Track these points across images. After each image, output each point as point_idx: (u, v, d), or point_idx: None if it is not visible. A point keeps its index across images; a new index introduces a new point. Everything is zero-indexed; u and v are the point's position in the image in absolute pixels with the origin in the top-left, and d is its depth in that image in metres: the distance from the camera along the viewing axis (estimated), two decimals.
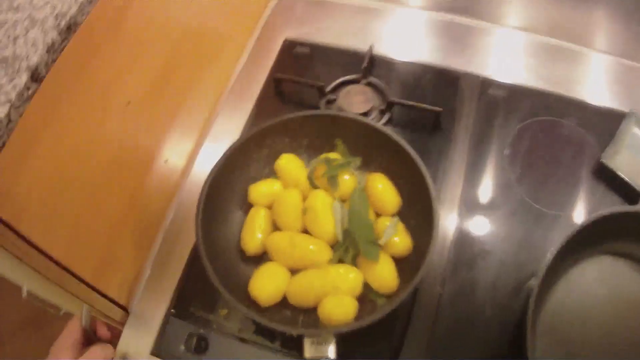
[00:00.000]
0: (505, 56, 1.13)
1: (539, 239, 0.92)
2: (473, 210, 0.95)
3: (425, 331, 0.86)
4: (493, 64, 1.11)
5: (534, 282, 0.77)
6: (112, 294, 0.89)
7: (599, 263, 0.88)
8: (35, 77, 0.63)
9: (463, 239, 0.93)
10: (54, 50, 0.65)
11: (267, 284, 0.81)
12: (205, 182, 0.84)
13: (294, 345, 0.82)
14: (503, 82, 1.09)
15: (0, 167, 0.61)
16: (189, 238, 0.95)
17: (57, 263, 0.74)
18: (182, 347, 0.87)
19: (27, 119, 0.63)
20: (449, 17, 1.18)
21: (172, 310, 0.90)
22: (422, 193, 0.82)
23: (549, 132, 1.04)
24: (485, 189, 0.98)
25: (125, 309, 0.92)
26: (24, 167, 0.66)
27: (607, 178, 0.96)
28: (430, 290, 0.88)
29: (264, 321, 0.76)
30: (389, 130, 0.87)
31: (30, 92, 0.63)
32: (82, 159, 0.77)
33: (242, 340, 0.87)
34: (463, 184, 0.98)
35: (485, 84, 1.08)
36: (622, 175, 0.94)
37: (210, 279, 0.77)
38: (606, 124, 1.01)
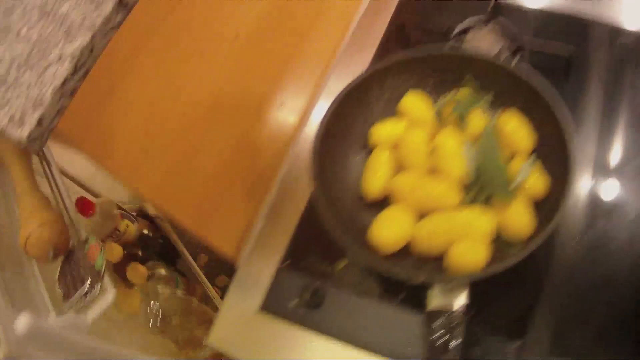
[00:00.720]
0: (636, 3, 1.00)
1: None
2: (609, 161, 0.86)
3: (562, 285, 0.78)
4: (624, 11, 0.99)
5: None
6: (217, 243, 0.85)
7: None
8: (124, 3, 0.59)
9: (599, 192, 0.84)
10: None
11: (390, 229, 0.76)
12: (321, 123, 0.80)
13: (417, 299, 0.76)
14: (635, 31, 0.97)
15: (85, 99, 0.59)
16: (306, 188, 0.90)
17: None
18: (295, 301, 0.82)
19: (116, 49, 0.60)
20: None
21: (286, 262, 0.86)
22: (557, 134, 0.74)
23: None
24: (622, 140, 0.88)
25: (232, 262, 0.88)
26: (111, 101, 0.64)
27: None
28: (566, 242, 0.80)
29: (386, 267, 0.71)
30: (521, 69, 0.80)
31: (117, 19, 0.60)
32: (178, 97, 0.74)
33: (361, 294, 0.82)
34: (598, 134, 0.88)
35: (616, 32, 0.97)
36: None
37: (327, 225, 0.73)
38: None
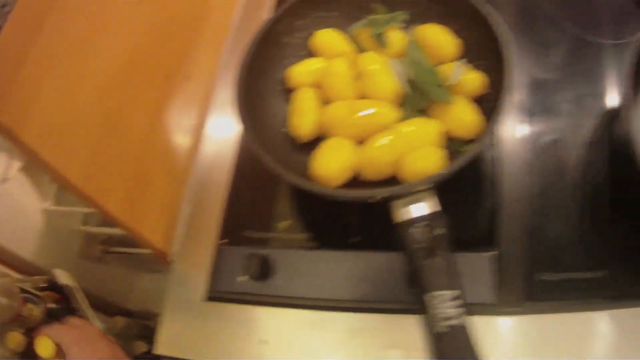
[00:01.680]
0: None
1: (605, 70, 0.83)
2: (526, 59, 0.87)
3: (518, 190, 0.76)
4: None
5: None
6: (148, 235, 0.77)
7: None
8: None
9: (527, 85, 0.84)
10: None
11: (333, 159, 0.70)
12: (238, 81, 0.74)
13: (375, 235, 0.74)
14: None
15: None
16: (226, 162, 0.86)
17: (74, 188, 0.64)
18: (243, 278, 0.75)
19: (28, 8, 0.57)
20: None
21: (224, 241, 0.80)
22: (484, 32, 0.72)
23: None
24: (534, 33, 0.89)
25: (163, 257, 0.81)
26: (25, 66, 0.59)
27: None
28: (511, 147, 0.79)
29: (340, 193, 0.66)
30: None
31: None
32: (92, 62, 0.69)
33: (312, 248, 0.77)
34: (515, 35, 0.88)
35: None
36: None
37: (269, 168, 0.67)
38: None
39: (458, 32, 0.77)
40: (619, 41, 0.85)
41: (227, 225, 0.81)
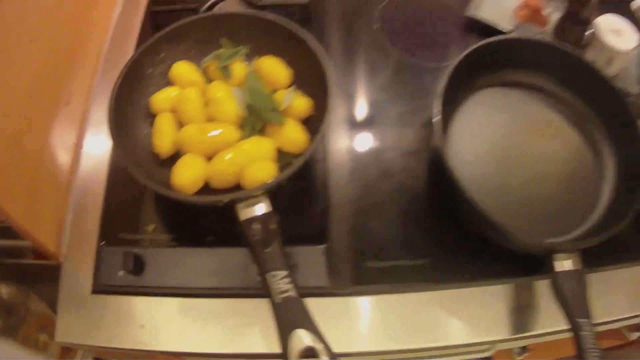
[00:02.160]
0: None
1: (425, 89, 1.01)
2: (357, 83, 1.05)
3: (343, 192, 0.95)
4: None
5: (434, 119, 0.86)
6: (42, 240, 0.90)
7: (490, 94, 1.01)
8: None
9: (356, 105, 1.03)
10: None
11: (187, 172, 0.85)
12: (109, 105, 0.87)
13: (227, 234, 0.88)
14: None
15: None
16: (102, 175, 0.98)
17: None
18: (121, 273, 0.88)
19: None
20: None
21: (102, 243, 0.92)
22: (312, 63, 0.89)
23: (412, 2, 1.15)
24: (364, 60, 1.08)
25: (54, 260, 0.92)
26: None
27: (477, 29, 1.07)
28: (340, 159, 0.98)
29: (193, 199, 0.82)
30: (269, 15, 0.95)
31: None
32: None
33: (176, 246, 0.91)
34: (342, 63, 1.07)
35: None
36: (488, 22, 1.07)
37: (139, 180, 0.81)
38: None
39: (290, 63, 0.94)
40: (440, 64, 1.04)
41: (104, 229, 0.93)
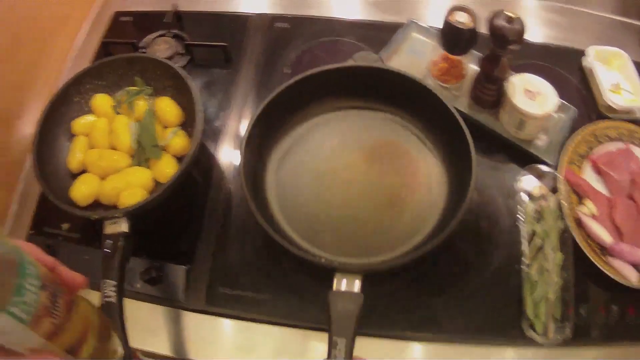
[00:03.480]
0: None
1: None
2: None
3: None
4: (284, 3, 1.38)
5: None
6: None
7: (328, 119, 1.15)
8: None
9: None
10: None
11: (82, 188, 1.07)
12: (37, 125, 1.10)
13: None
14: (289, 14, 1.36)
15: None
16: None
17: None
18: None
19: None
20: None
21: (31, 232, 1.15)
22: (193, 108, 1.08)
23: (329, 50, 1.29)
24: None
25: None
26: None
27: None
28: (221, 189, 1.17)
29: (78, 212, 1.03)
30: (164, 60, 1.15)
31: None
32: None
33: (79, 242, 1.13)
34: (251, 101, 1.25)
35: (273, 19, 1.36)
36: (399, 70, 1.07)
37: (45, 192, 1.02)
38: (383, 35, 1.26)
39: (182, 105, 1.14)
40: None
41: (34, 221, 1.17)
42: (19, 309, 0.51)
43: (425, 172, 1.05)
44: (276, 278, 1.01)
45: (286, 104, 1.06)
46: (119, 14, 1.43)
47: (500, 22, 0.96)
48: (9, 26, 1.18)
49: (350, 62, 1.07)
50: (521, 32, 0.96)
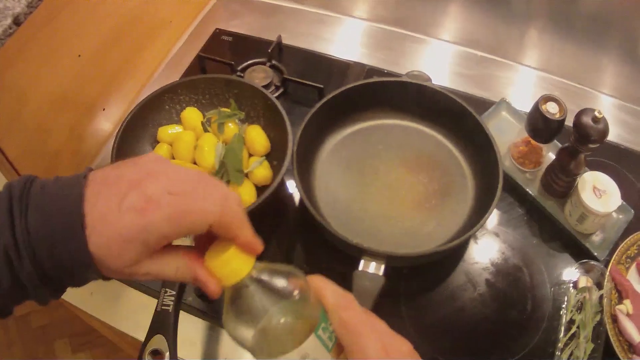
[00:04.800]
0: (391, 51, 1.41)
1: None
2: None
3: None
4: (380, 57, 1.40)
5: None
6: None
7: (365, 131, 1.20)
8: (17, 22, 0.92)
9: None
10: (32, 5, 0.93)
11: None
12: (123, 121, 1.10)
13: None
14: (384, 69, 1.37)
15: None
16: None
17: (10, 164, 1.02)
18: None
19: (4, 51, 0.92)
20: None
21: None
22: (284, 143, 1.08)
23: None
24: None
25: None
26: None
27: None
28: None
29: None
30: (264, 93, 1.14)
31: (11, 31, 0.91)
32: (37, 89, 1.05)
33: None
34: None
35: (370, 70, 1.37)
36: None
37: None
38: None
39: (270, 136, 1.14)
40: None
41: None
42: (327, 335, 0.50)
43: (455, 186, 1.12)
44: None
45: (346, 103, 1.14)
46: (219, 32, 1.44)
47: (587, 120, 0.96)
48: (113, 21, 1.20)
49: (404, 78, 1.16)
50: (605, 133, 0.96)
